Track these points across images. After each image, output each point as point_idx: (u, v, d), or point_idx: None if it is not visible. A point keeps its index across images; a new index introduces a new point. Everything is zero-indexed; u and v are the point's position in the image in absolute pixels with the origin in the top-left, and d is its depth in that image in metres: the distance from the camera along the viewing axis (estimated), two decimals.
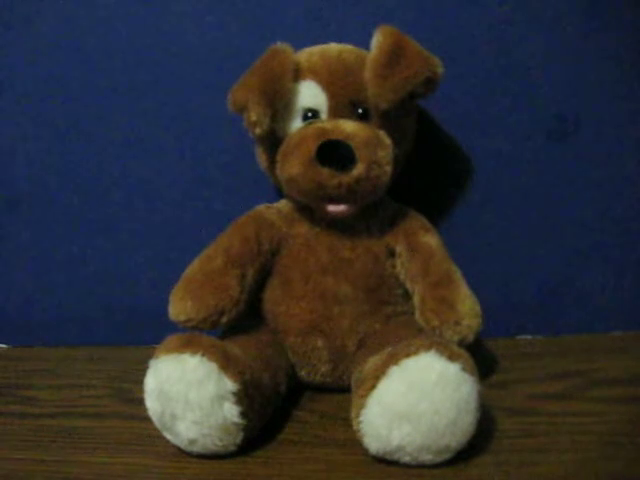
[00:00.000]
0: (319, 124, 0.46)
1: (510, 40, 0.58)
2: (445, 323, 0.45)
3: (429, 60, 0.46)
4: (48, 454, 0.43)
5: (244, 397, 0.39)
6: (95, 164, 0.63)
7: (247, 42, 0.58)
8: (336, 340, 0.48)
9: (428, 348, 0.37)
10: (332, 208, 0.46)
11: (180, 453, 0.41)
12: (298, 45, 0.50)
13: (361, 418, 0.38)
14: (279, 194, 0.54)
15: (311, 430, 0.44)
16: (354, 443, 0.39)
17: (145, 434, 0.44)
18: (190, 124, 0.61)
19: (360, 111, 0.48)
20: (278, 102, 0.46)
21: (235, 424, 0.39)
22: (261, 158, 0.52)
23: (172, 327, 0.45)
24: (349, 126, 0.45)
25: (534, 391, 0.49)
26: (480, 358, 0.40)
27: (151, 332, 0.52)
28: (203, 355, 0.38)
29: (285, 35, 0.49)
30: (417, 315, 0.47)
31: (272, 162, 0.49)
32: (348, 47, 0.50)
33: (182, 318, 0.46)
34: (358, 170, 0.44)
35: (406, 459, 0.38)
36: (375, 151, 0.45)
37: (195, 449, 0.40)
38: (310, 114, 0.48)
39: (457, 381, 0.36)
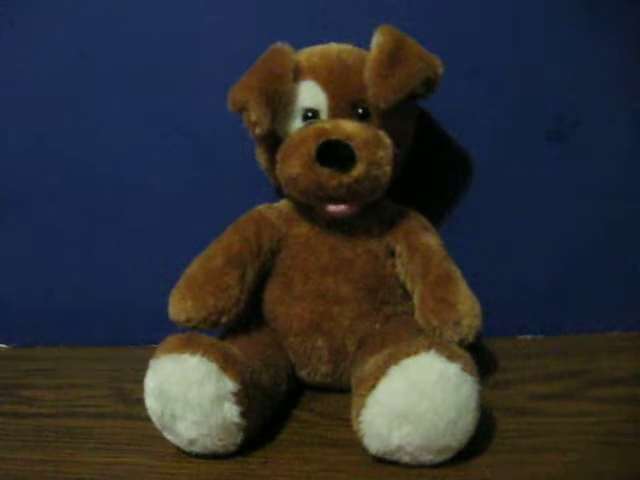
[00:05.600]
0: (319, 124, 0.46)
1: (510, 40, 0.58)
2: (445, 323, 0.45)
3: (429, 60, 0.46)
4: (48, 454, 0.43)
5: (244, 397, 0.39)
6: (95, 164, 0.63)
7: (247, 42, 0.58)
8: (336, 340, 0.48)
9: (428, 348, 0.37)
10: (332, 208, 0.46)
11: (180, 453, 0.41)
12: (298, 45, 0.50)
13: (361, 418, 0.38)
14: (279, 194, 0.54)
15: (311, 430, 0.45)
16: (354, 443, 0.39)
17: (145, 434, 0.44)
18: (190, 124, 0.61)
19: (360, 111, 0.48)
20: (278, 102, 0.46)
21: (235, 424, 0.39)
22: (261, 158, 0.52)
23: (172, 327, 0.45)
24: (349, 126, 0.45)
25: (534, 391, 0.49)
26: (480, 358, 0.40)
27: (151, 332, 0.52)
28: (203, 355, 0.39)
29: (285, 35, 0.49)
30: (417, 315, 0.47)
31: (272, 162, 0.49)
32: (348, 47, 0.50)
33: (182, 318, 0.46)
34: (358, 170, 0.44)
35: (406, 459, 0.38)
36: (375, 151, 0.45)
37: (195, 449, 0.40)
38: (310, 114, 0.48)
39: (457, 381, 0.37)
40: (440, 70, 0.46)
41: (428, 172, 0.60)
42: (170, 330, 0.43)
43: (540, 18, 0.58)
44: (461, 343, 0.44)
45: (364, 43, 0.48)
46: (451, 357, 0.37)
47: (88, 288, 0.65)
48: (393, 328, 0.47)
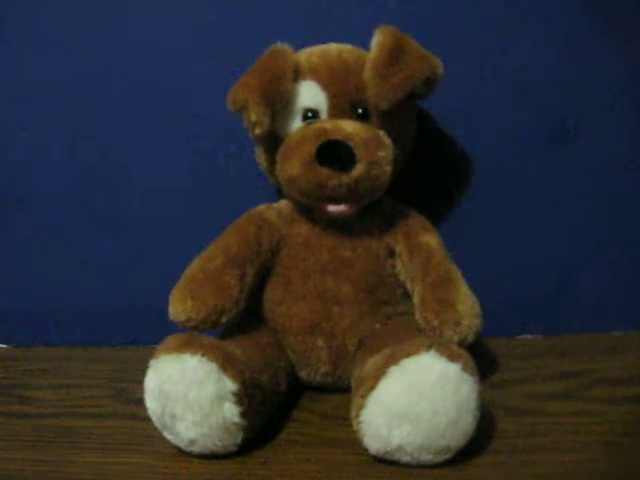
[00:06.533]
0: (319, 124, 0.46)
1: (510, 41, 0.58)
2: (445, 323, 0.45)
3: (429, 60, 0.46)
4: (48, 454, 0.43)
5: (244, 397, 0.39)
6: (94, 164, 0.63)
7: (247, 42, 0.58)
8: (336, 340, 0.48)
9: (428, 348, 0.37)
10: (332, 208, 0.46)
11: (180, 453, 0.41)
12: (298, 45, 0.50)
13: (361, 418, 0.38)
14: (279, 194, 0.54)
15: (311, 430, 0.45)
16: (354, 443, 0.39)
17: (145, 434, 0.44)
18: (190, 124, 0.61)
19: (360, 111, 0.48)
20: (278, 102, 0.46)
21: (235, 424, 0.39)
22: (261, 158, 0.52)
23: (172, 327, 0.45)
24: (349, 126, 0.45)
25: (534, 391, 0.49)
26: (480, 358, 0.40)
27: (151, 332, 0.52)
28: (203, 355, 0.39)
29: (285, 35, 0.49)
30: (417, 315, 0.47)
31: (272, 162, 0.49)
32: (348, 47, 0.50)
33: (182, 318, 0.46)
34: (358, 170, 0.44)
35: (406, 459, 0.38)
36: (375, 151, 0.45)
37: (195, 449, 0.40)
38: (310, 114, 0.48)
39: (457, 381, 0.37)
40: (440, 70, 0.46)
41: (428, 172, 0.60)
42: (170, 330, 0.43)
43: (542, 20, 0.58)
44: (461, 343, 0.44)
45: (364, 43, 0.48)
46: (451, 357, 0.37)
47: (88, 288, 0.65)
48: (393, 328, 0.47)
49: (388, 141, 0.46)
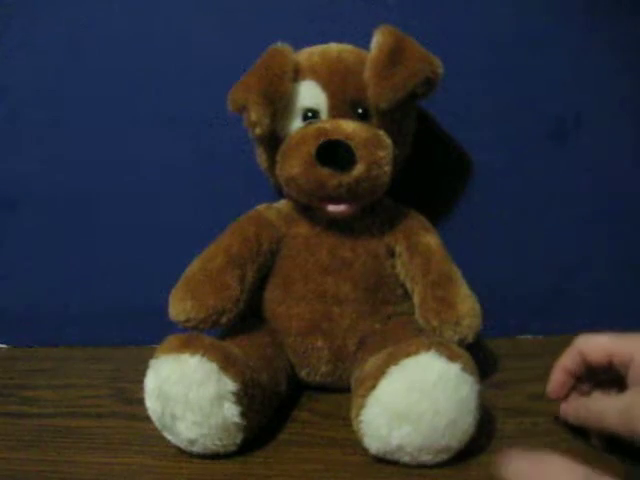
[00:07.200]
0: (319, 124, 0.46)
1: (510, 40, 0.58)
2: (445, 323, 0.45)
3: (429, 60, 0.46)
4: (48, 454, 0.43)
5: (244, 397, 0.39)
6: (95, 164, 0.63)
7: (246, 42, 0.58)
8: (336, 340, 0.48)
9: (428, 348, 0.37)
10: (332, 208, 0.46)
11: (180, 453, 0.41)
12: (298, 45, 0.50)
13: (361, 418, 0.38)
14: (279, 194, 0.54)
15: (311, 430, 0.45)
16: (354, 443, 0.39)
17: (145, 434, 0.44)
18: (190, 124, 0.61)
19: (360, 111, 0.48)
20: (278, 102, 0.46)
21: (235, 424, 0.39)
22: (261, 158, 0.52)
23: (172, 327, 0.45)
24: (349, 126, 0.45)
25: (534, 391, 0.49)
26: (480, 358, 0.40)
27: (151, 332, 0.52)
28: (203, 355, 0.39)
29: (285, 35, 0.49)
30: (417, 315, 0.47)
31: (272, 162, 0.49)
32: (348, 47, 0.50)
33: (182, 318, 0.46)
34: (358, 170, 0.44)
35: (406, 459, 0.38)
36: (375, 151, 0.45)
37: (195, 449, 0.40)
38: (310, 114, 0.48)
39: (457, 381, 0.37)
40: (440, 70, 0.46)
41: (428, 172, 0.60)
42: (170, 330, 0.43)
43: (541, 18, 0.58)
44: (461, 343, 0.44)
45: (364, 43, 0.48)
46: (451, 357, 0.37)
47: (88, 288, 0.65)
48: (393, 328, 0.47)
49: (388, 141, 0.46)
